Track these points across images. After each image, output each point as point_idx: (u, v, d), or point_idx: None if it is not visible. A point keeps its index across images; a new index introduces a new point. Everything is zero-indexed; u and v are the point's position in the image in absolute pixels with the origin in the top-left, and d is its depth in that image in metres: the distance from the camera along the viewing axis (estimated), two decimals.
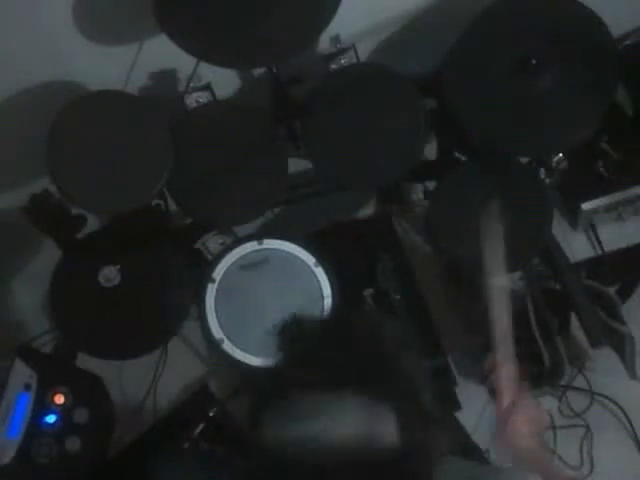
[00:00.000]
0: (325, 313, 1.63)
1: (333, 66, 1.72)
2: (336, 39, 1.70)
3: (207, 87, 1.72)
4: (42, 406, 1.63)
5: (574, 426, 1.89)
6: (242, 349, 1.62)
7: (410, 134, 1.66)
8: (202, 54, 1.49)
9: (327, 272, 1.67)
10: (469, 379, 1.94)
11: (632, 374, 1.82)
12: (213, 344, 1.64)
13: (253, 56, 1.50)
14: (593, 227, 2.01)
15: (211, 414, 1.81)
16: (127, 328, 1.70)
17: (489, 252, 1.23)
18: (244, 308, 1.65)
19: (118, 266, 1.65)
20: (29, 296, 2.09)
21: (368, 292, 1.84)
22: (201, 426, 1.78)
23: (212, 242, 1.79)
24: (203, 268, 1.70)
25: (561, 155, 1.68)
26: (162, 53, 1.57)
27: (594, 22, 1.53)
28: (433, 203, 1.73)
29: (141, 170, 1.58)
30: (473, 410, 1.83)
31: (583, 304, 1.72)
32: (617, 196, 1.92)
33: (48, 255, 1.84)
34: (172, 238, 1.82)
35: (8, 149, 1.78)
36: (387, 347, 0.97)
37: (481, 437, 1.75)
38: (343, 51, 1.71)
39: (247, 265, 1.69)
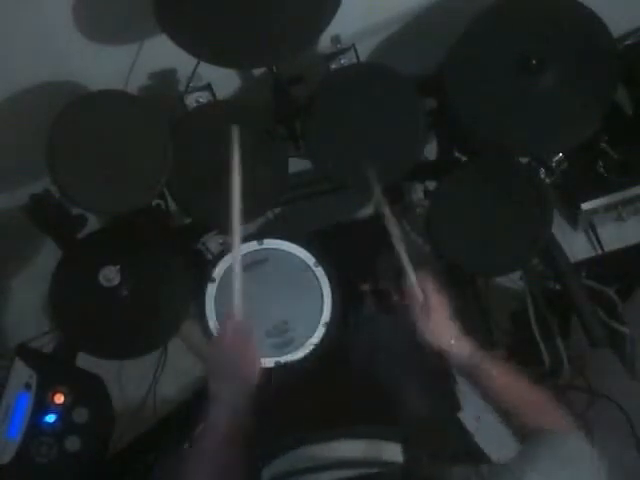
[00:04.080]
0: (325, 313, 1.63)
1: (333, 66, 1.72)
2: (336, 39, 1.70)
3: (207, 87, 1.72)
4: (42, 406, 1.63)
5: None
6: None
7: (410, 134, 1.66)
8: (202, 54, 1.49)
9: (327, 272, 1.66)
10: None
11: (632, 374, 1.83)
12: None
13: (253, 56, 1.50)
14: (593, 227, 2.01)
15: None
16: (127, 328, 1.70)
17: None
18: (244, 308, 1.65)
19: (118, 266, 1.65)
20: (29, 296, 2.09)
21: (365, 287, 1.84)
22: (201, 426, 1.77)
23: (212, 242, 1.79)
24: (203, 268, 1.69)
25: (561, 155, 1.68)
26: (162, 53, 1.57)
27: (594, 22, 1.53)
28: (433, 203, 1.73)
29: (141, 170, 1.58)
30: (473, 410, 1.83)
31: (583, 304, 1.72)
32: (617, 196, 1.92)
33: (48, 255, 1.84)
34: (172, 238, 1.82)
35: (8, 149, 1.78)
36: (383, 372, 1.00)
37: (482, 437, 1.75)
38: (343, 51, 1.71)
39: (247, 265, 1.68)
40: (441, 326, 1.20)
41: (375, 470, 0.90)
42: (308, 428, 0.94)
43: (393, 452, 0.94)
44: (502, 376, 1.17)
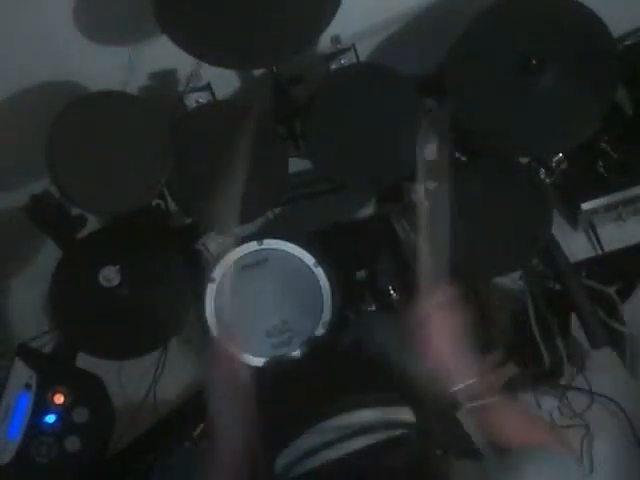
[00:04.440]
0: (325, 313, 1.63)
1: (333, 66, 1.72)
2: (336, 39, 1.70)
3: (207, 87, 1.72)
4: (42, 406, 1.63)
5: (574, 426, 1.89)
6: (242, 349, 1.62)
7: (410, 134, 1.66)
8: (202, 54, 1.49)
9: (327, 272, 1.66)
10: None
11: (632, 374, 1.83)
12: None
13: (253, 56, 1.50)
14: (593, 227, 2.01)
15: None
16: (127, 328, 1.70)
17: None
18: (244, 308, 1.65)
19: (118, 266, 1.65)
20: (29, 296, 2.09)
21: (360, 274, 1.84)
22: (201, 426, 1.78)
23: (212, 242, 1.79)
24: (203, 268, 1.69)
25: (561, 155, 1.68)
26: (162, 53, 1.57)
27: (594, 22, 1.53)
28: (433, 203, 1.72)
29: (141, 170, 1.58)
30: None
31: (583, 304, 1.72)
32: (617, 196, 1.92)
33: (48, 255, 1.84)
34: (172, 238, 1.82)
35: (8, 149, 1.78)
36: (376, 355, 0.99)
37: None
38: (343, 51, 1.71)
39: (247, 265, 1.68)
40: (443, 355, 1.11)
41: (395, 432, 0.89)
42: (310, 414, 0.93)
43: (407, 413, 0.93)
44: (497, 412, 1.11)
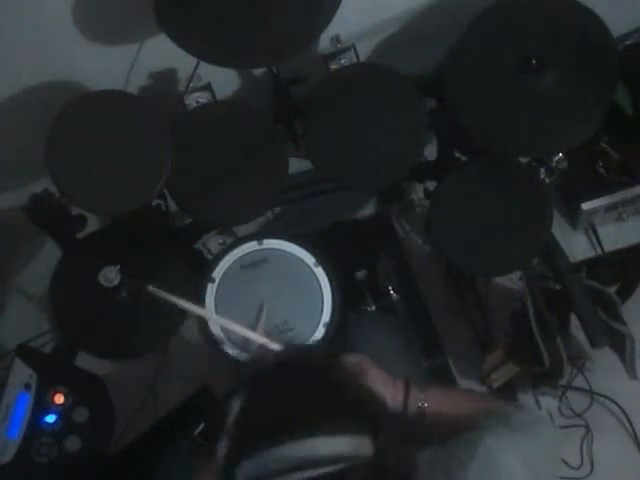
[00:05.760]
0: (325, 313, 1.63)
1: (333, 66, 1.72)
2: (336, 39, 1.70)
3: (207, 87, 1.72)
4: (42, 406, 1.63)
5: (574, 426, 1.89)
6: (242, 349, 1.62)
7: (410, 134, 1.66)
8: (202, 54, 1.49)
9: (327, 272, 1.66)
10: (469, 379, 1.94)
11: (632, 374, 1.83)
12: (213, 344, 1.64)
13: (253, 56, 1.50)
14: (593, 227, 2.01)
15: (211, 414, 1.81)
16: (127, 328, 1.70)
17: None
18: (244, 308, 1.65)
19: (118, 266, 1.65)
20: (29, 296, 2.09)
21: (361, 274, 1.84)
22: (201, 426, 1.78)
23: (212, 242, 1.79)
24: (203, 268, 1.69)
25: (561, 155, 1.68)
26: (162, 53, 1.57)
27: (594, 22, 1.53)
28: (433, 203, 1.73)
29: (141, 170, 1.58)
30: None
31: (583, 304, 1.72)
32: (617, 196, 1.92)
33: (48, 255, 1.84)
34: (172, 238, 1.82)
35: (8, 149, 1.78)
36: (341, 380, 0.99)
37: None
38: (343, 51, 1.71)
39: (247, 265, 1.68)
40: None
41: (346, 465, 0.89)
42: (285, 425, 0.92)
43: (367, 445, 0.93)
44: (435, 401, 1.16)
